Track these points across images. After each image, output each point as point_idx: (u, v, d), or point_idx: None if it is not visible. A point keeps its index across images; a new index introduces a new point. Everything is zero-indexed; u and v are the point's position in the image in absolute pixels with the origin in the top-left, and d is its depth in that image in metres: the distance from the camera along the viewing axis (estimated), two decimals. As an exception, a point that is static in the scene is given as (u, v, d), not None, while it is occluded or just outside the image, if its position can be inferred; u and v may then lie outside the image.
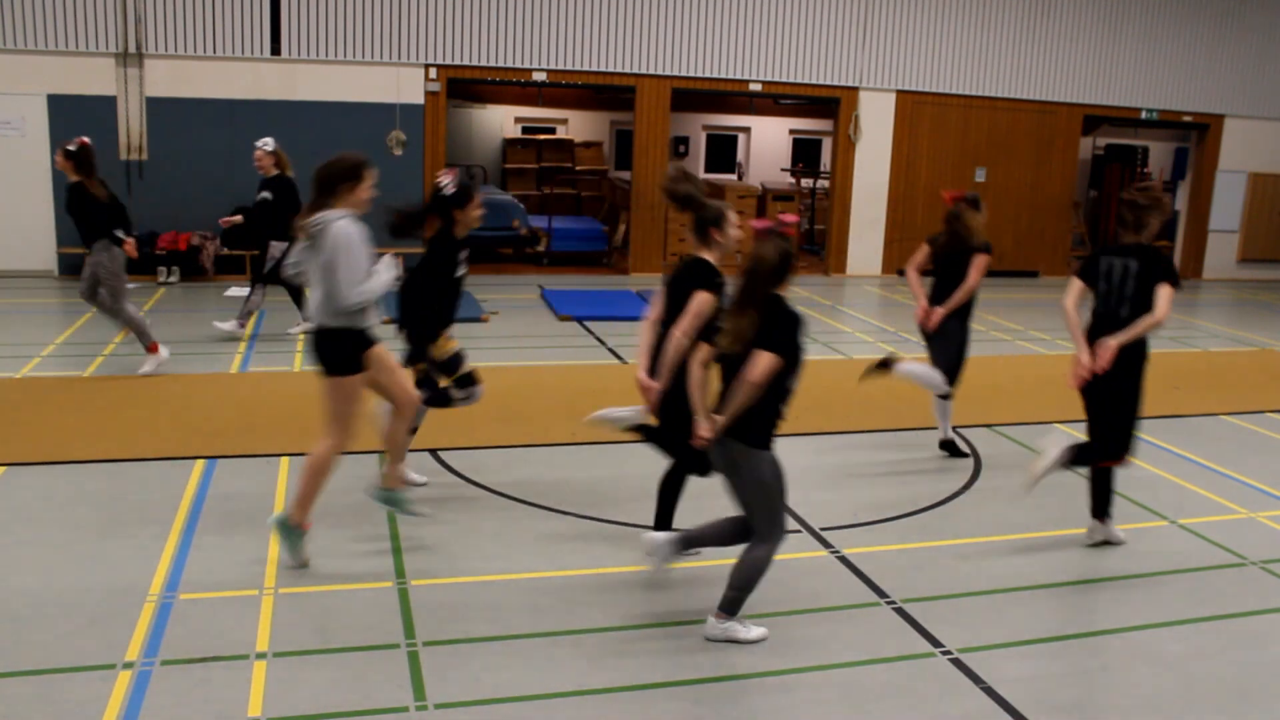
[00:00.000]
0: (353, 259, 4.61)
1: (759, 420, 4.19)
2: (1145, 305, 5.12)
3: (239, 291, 12.13)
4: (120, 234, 8.23)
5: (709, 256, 4.84)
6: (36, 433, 6.84)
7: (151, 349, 8.39)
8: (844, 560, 5.31)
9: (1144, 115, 16.97)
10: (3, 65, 12.63)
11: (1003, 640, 4.55)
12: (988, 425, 7.75)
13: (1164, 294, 5.08)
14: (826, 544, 5.50)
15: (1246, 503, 6.42)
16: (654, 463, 6.71)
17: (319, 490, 4.97)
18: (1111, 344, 5.07)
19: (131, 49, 12.90)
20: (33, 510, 5.59)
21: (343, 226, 4.64)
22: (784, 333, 4.12)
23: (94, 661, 4.05)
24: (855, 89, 15.56)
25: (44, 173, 12.66)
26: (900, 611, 4.76)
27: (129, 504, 5.69)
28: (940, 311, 6.63)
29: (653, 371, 4.84)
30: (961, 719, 3.94)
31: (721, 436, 4.22)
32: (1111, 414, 5.29)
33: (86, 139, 8.38)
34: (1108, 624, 4.79)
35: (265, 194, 9.59)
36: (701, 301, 4.70)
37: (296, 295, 10.13)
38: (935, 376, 6.66)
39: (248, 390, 8.14)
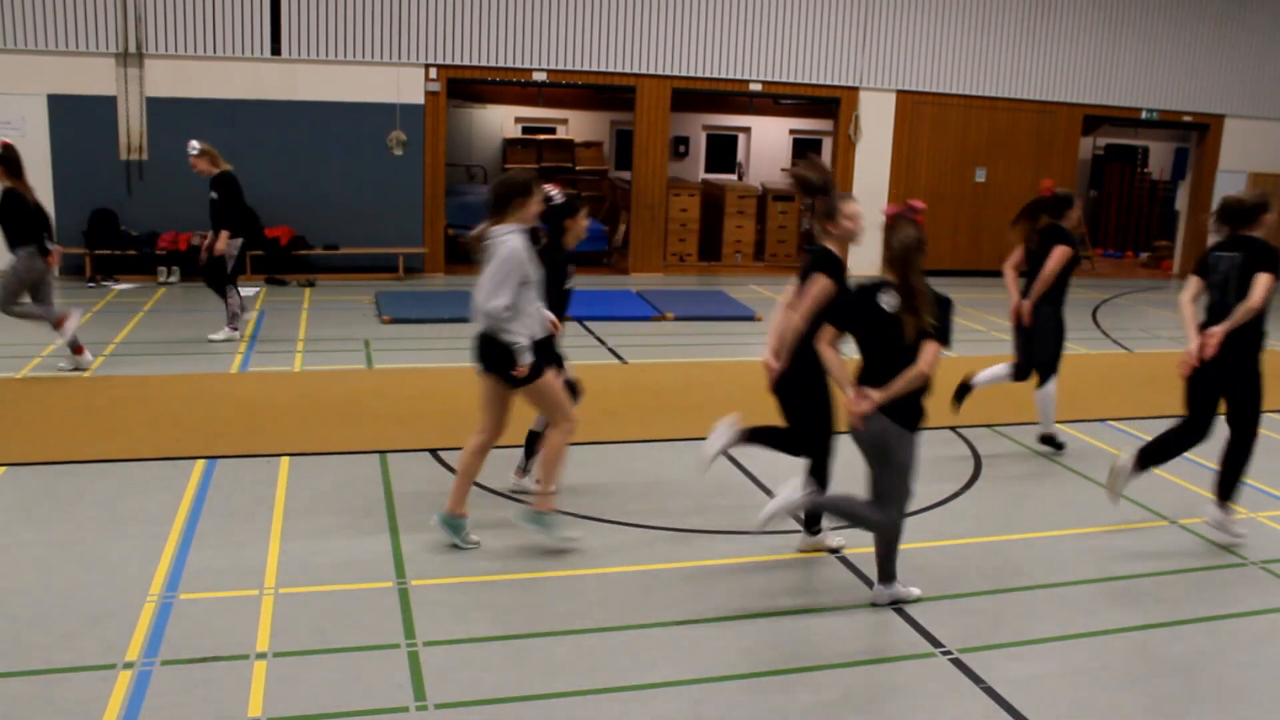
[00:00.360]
0: (504, 270, 4.84)
1: (916, 402, 4.46)
2: (1246, 295, 5.33)
3: (245, 291, 12.07)
4: (50, 244, 8.24)
5: (830, 246, 5.04)
6: (36, 433, 6.84)
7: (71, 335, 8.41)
8: (844, 560, 5.31)
9: (1144, 115, 16.97)
10: (3, 65, 12.63)
11: (1003, 640, 4.56)
12: (988, 425, 7.75)
13: (1261, 281, 5.30)
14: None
15: (1246, 503, 6.41)
16: (654, 464, 6.72)
17: (559, 474, 5.30)
18: (1216, 333, 5.33)
19: (131, 49, 12.91)
20: (33, 510, 5.60)
21: (510, 240, 4.91)
22: (944, 319, 4.37)
23: (94, 661, 4.05)
24: (855, 89, 15.56)
25: (44, 173, 12.63)
26: (900, 612, 4.76)
27: (129, 504, 5.69)
28: (1026, 304, 6.92)
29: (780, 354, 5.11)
30: (961, 719, 3.94)
31: (875, 414, 4.43)
32: (1240, 398, 5.52)
33: (8, 140, 8.37)
34: (1108, 624, 4.78)
35: (212, 194, 9.57)
36: (819, 287, 4.90)
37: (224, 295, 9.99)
38: (998, 372, 7.18)
39: (248, 390, 8.14)
